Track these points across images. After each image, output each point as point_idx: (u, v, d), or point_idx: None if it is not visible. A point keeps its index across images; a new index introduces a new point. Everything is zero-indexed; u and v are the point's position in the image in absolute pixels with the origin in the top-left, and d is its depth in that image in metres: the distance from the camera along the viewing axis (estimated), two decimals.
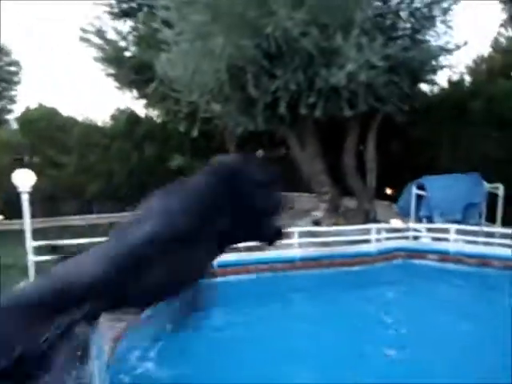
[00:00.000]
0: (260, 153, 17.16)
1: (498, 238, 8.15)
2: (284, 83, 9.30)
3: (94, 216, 13.81)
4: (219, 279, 6.98)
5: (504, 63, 14.94)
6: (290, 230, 7.87)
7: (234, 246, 8.57)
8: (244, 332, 4.96)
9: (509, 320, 4.91)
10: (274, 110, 9.69)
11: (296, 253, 7.57)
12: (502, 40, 18.01)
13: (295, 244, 7.72)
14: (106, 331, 4.48)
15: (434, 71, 11.58)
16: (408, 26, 10.80)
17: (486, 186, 9.49)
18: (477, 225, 8.84)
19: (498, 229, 9.00)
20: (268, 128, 10.73)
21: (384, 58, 8.98)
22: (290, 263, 7.39)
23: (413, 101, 10.96)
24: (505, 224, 9.25)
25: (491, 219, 9.61)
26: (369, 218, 11.20)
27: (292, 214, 13.26)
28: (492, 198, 9.59)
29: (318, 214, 11.89)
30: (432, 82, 12.43)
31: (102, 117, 17.94)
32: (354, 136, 11.78)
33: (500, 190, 9.44)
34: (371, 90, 9.59)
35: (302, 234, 8.08)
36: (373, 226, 8.20)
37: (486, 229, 8.60)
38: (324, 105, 9.44)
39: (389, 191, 12.91)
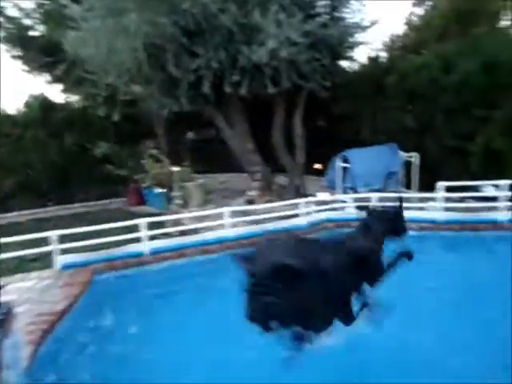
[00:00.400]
0: (190, 135, 16.86)
1: (415, 203, 8.83)
2: (206, 61, 9.08)
3: (13, 214, 12.63)
4: (155, 266, 6.87)
5: (416, 40, 15.99)
6: (220, 210, 7.85)
7: (166, 231, 8.30)
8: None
9: (420, 277, 5.39)
10: (198, 90, 9.44)
11: (228, 233, 7.57)
12: (415, 18, 19.25)
13: (227, 224, 7.71)
14: (24, 336, 4.16)
15: (351, 48, 12.04)
16: (326, 3, 11.04)
17: (403, 155, 10.19)
18: (396, 192, 9.48)
19: (414, 194, 9.77)
20: (194, 109, 10.46)
21: (304, 35, 9.09)
22: (223, 244, 7.38)
23: (334, 77, 11.30)
24: (420, 189, 10.04)
25: (408, 186, 10.37)
26: (300, 193, 11.53)
27: (226, 194, 13.27)
28: (408, 166, 10.32)
29: (252, 193, 11.98)
30: (351, 59, 12.95)
31: (15, 104, 16.32)
32: (281, 113, 11.94)
33: (415, 158, 10.18)
34: (294, 66, 9.72)
35: (234, 214, 8.10)
36: (301, 201, 8.43)
37: (404, 195, 9.26)
38: (249, 83, 9.39)
39: (317, 166, 13.36)
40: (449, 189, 8.17)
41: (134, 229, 7.13)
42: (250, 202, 11.27)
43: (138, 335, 4.74)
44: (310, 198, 8.86)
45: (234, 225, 7.83)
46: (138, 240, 7.15)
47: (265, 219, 8.24)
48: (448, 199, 8.56)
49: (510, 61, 8.64)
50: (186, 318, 4.97)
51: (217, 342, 4.18)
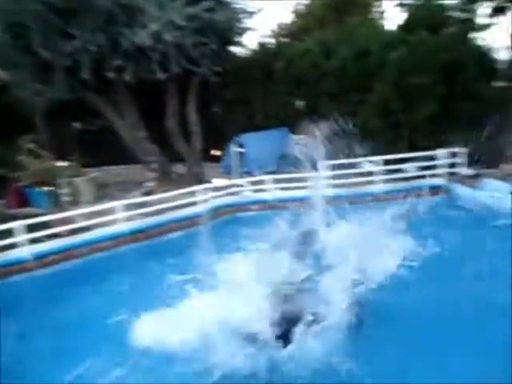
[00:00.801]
0: (76, 126, 15.43)
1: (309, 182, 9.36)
2: (82, 44, 8.31)
3: None
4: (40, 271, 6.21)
5: (301, 28, 16.78)
6: (112, 204, 7.40)
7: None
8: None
9: None
10: (77, 76, 8.64)
11: (121, 228, 7.18)
12: (302, 7, 20.17)
13: (120, 218, 7.30)
14: None
15: (240, 34, 12.15)
16: None
17: (293, 137, 10.73)
18: (289, 173, 9.98)
19: (306, 174, 10.37)
20: (74, 96, 9.55)
21: (189, 19, 8.89)
22: (117, 239, 6.98)
23: (225, 63, 11.31)
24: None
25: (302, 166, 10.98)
26: (199, 180, 11.43)
27: (122, 188, 12.54)
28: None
29: (150, 184, 11.53)
30: (241, 45, 13.08)
31: None
32: (174, 100, 11.60)
33: (303, 140, 10.80)
34: (182, 51, 9.46)
35: (129, 207, 7.70)
36: (198, 188, 8.36)
37: (296, 175, 9.79)
38: (133, 68, 8.88)
39: (215, 152, 13.38)
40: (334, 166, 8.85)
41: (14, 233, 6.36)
42: (148, 193, 10.83)
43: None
44: (206, 185, 8.84)
45: (129, 218, 7.45)
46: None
47: (162, 210, 8.00)
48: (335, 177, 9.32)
49: (378, 50, 9.59)
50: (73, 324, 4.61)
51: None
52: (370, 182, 8.98)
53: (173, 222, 7.70)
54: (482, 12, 11.96)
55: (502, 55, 10.57)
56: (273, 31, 18.49)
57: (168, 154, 11.81)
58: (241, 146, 10.32)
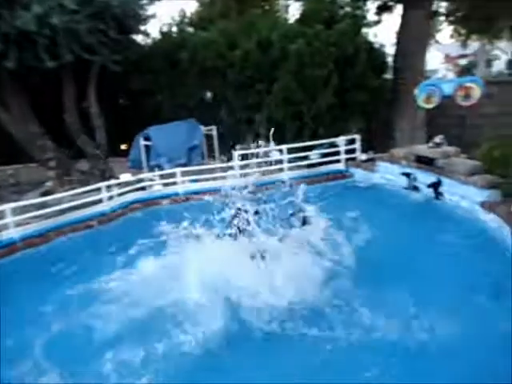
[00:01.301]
0: None
1: (219, 173, 9.40)
2: None
3: None
4: None
5: (205, 17, 16.56)
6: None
7: None
8: None
9: None
10: None
11: (12, 234, 6.46)
12: None
13: (11, 223, 6.56)
14: None
15: (142, 21, 11.58)
16: None
17: (203, 128, 10.66)
18: (200, 165, 9.91)
19: (217, 165, 10.41)
20: None
21: (82, 3, 8.22)
22: (7, 248, 6.27)
23: (126, 51, 10.72)
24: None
25: (212, 157, 10.99)
26: (105, 177, 10.76)
27: (17, 189, 11.32)
28: (210, 139, 10.90)
29: (49, 183, 10.54)
30: (144, 33, 12.50)
31: None
32: (72, 92, 10.67)
33: (213, 131, 10.80)
34: (74, 37, 8.71)
35: (23, 210, 6.96)
36: (102, 185, 7.87)
37: (207, 166, 9.77)
38: (17, 54, 7.95)
39: (123, 147, 12.71)
40: (244, 157, 9.01)
41: None
42: (46, 193, 9.90)
43: None
44: (111, 181, 8.36)
45: (20, 223, 6.73)
46: None
47: (62, 210, 7.38)
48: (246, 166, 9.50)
49: (279, 41, 9.90)
50: None
51: None
52: (281, 170, 9.33)
53: (77, 221, 7.16)
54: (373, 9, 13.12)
55: (390, 50, 11.69)
56: (176, 20, 18.02)
57: (70, 150, 10.91)
58: (148, 138, 9.93)
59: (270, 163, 9.47)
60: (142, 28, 12.15)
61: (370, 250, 5.17)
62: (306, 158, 9.59)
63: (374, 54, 9.95)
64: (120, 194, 8.31)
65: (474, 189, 6.22)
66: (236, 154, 8.87)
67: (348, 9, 10.51)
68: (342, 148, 9.53)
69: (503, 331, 3.41)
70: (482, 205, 5.94)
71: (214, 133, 10.75)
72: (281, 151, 9.25)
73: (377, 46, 10.76)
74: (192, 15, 17.61)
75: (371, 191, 8.44)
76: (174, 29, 13.41)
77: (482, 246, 5.26)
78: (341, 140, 9.48)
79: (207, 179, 9.00)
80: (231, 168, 9.07)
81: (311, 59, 8.97)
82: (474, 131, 9.47)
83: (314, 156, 9.61)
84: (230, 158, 9.48)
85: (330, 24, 9.35)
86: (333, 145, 9.71)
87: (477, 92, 7.43)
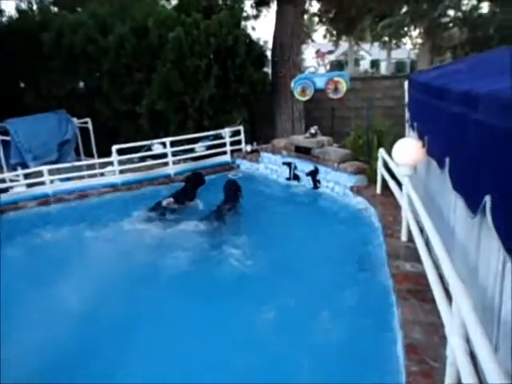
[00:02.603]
0: None
1: (98, 169, 8.58)
2: None
3: None
4: None
5: None
6: None
7: None
8: None
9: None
10: None
11: None
12: None
13: None
14: None
15: None
16: None
17: (76, 121, 9.61)
18: (75, 161, 8.93)
19: (94, 161, 9.50)
20: None
21: None
22: None
23: None
24: (101, 155, 9.87)
25: (88, 153, 10.00)
26: None
27: None
28: (84, 132, 9.87)
29: None
30: None
31: None
32: None
33: (89, 124, 9.82)
34: None
35: None
36: None
37: (83, 163, 8.84)
38: None
39: None
40: (123, 151, 8.37)
41: None
42: None
43: None
44: None
45: None
46: None
47: None
48: (128, 161, 8.87)
49: (157, 28, 9.39)
50: None
51: None
52: (165, 164, 8.93)
53: None
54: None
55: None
56: None
57: None
58: (6, 132, 8.54)
59: (154, 157, 9.01)
60: None
61: (253, 234, 5.31)
62: (191, 150, 9.38)
63: (253, 46, 10.13)
64: None
65: (345, 175, 6.78)
66: (114, 148, 8.18)
67: (227, 1, 10.50)
68: (228, 140, 9.57)
69: (369, 297, 3.77)
70: (352, 189, 6.52)
71: (90, 126, 9.77)
72: (164, 144, 8.85)
73: (256, 39, 11.00)
74: None
75: (256, 182, 8.66)
76: (35, 7, 11.77)
77: (352, 225, 5.80)
78: (226, 131, 9.49)
79: (82, 177, 8.16)
80: (110, 164, 8.36)
81: (191, 49, 8.72)
82: (343, 122, 10.40)
83: (200, 148, 9.46)
84: (107, 153, 8.72)
85: (208, 14, 9.20)
86: (218, 136, 9.68)
87: (344, 86, 8.11)
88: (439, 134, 2.76)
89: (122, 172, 8.28)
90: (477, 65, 2.95)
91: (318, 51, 8.31)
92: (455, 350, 1.82)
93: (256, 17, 14.81)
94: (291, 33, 10.26)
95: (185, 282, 4.43)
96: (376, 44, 27.09)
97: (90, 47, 9.73)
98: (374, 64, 35.55)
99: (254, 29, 10.99)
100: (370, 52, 37.02)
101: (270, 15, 14.02)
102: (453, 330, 1.87)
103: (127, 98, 10.00)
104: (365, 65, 37.53)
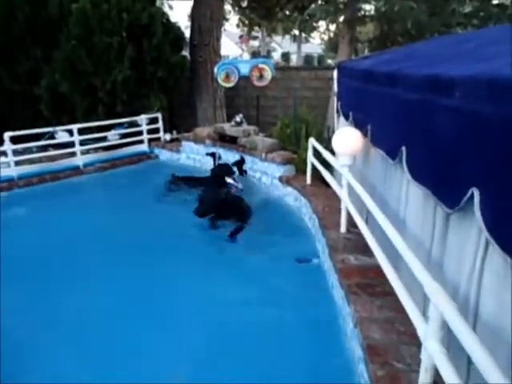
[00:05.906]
0: None
1: None
2: None
3: None
4: None
5: None
6: None
7: None
8: None
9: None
10: None
11: None
12: None
13: None
14: None
15: None
16: None
17: None
18: None
19: None
20: None
21: None
22: None
23: None
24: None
25: None
26: None
27: None
28: None
29: None
30: None
31: None
32: None
33: None
34: None
35: None
36: None
37: None
38: None
39: None
40: (19, 139, 7.15)
41: None
42: None
43: None
44: None
45: None
46: None
47: None
48: (25, 151, 7.65)
49: None
50: None
51: None
52: (72, 154, 7.88)
53: None
54: None
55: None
56: None
57: None
58: None
59: (58, 147, 7.88)
60: None
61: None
62: (103, 139, 8.43)
63: (171, 27, 9.40)
64: None
65: (273, 165, 6.62)
66: (7, 135, 6.93)
67: None
68: (145, 127, 8.81)
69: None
70: (280, 179, 6.39)
71: None
72: (70, 132, 7.78)
73: (174, 20, 10.26)
74: None
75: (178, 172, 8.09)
76: None
77: (283, 215, 5.68)
78: (142, 119, 8.72)
79: None
80: (3, 154, 7.08)
81: (99, 24, 7.71)
82: (266, 111, 10.31)
83: (113, 137, 8.55)
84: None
85: None
86: (134, 124, 8.86)
87: (269, 73, 7.93)
88: (390, 123, 2.64)
89: (18, 164, 7.08)
90: (426, 52, 2.91)
91: (241, 36, 7.99)
92: (433, 355, 1.68)
93: None
94: (210, 16, 9.75)
95: None
96: (287, 37, 27.60)
97: None
98: (285, 56, 36.46)
99: (171, 8, 10.21)
100: (281, 45, 37.89)
101: None
102: (429, 334, 1.73)
103: (21, 78, 8.57)
104: (276, 57, 38.32)
